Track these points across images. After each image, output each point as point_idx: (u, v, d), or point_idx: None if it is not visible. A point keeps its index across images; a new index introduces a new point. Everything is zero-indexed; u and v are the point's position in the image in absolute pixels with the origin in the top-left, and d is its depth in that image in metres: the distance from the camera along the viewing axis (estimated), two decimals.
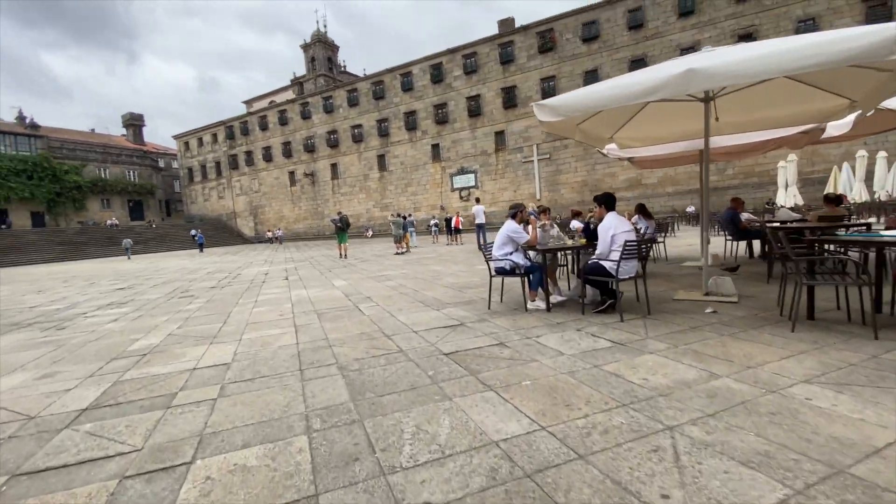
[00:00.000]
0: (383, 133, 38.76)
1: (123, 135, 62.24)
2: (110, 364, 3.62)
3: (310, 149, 43.25)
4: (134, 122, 60.86)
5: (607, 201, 4.30)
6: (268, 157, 46.34)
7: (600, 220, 4.36)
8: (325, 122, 42.25)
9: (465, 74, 34.64)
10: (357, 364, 3.17)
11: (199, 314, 5.78)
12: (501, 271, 4.68)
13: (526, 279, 4.60)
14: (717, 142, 7.37)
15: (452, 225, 18.83)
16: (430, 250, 16.11)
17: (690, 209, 26.86)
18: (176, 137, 54.82)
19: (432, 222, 25.44)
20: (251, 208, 48.81)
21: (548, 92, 31.41)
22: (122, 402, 2.72)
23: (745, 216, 8.28)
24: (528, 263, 4.58)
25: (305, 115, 43.40)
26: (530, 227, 4.87)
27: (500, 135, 33.77)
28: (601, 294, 4.29)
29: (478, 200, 16.47)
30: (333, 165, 42.12)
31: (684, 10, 27.25)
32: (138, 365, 3.53)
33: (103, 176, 47.93)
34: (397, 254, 15.15)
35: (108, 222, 43.76)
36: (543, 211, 5.53)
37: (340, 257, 16.45)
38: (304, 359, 3.40)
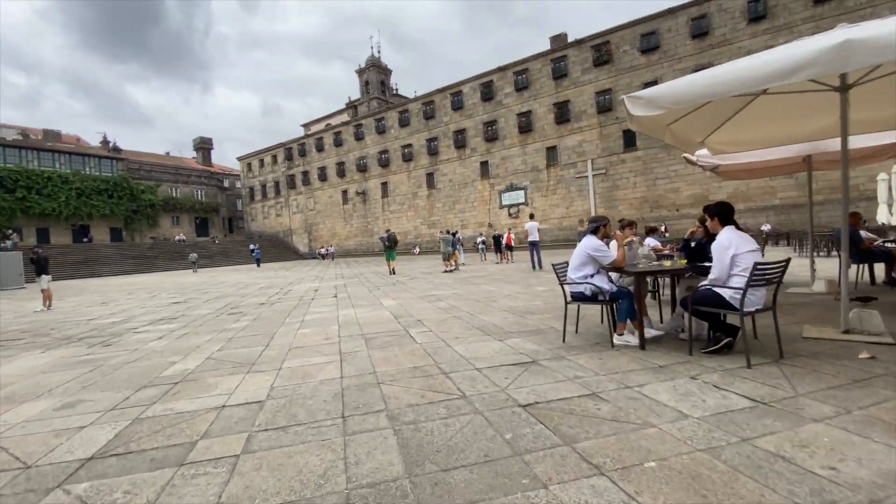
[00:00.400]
0: (432, 152, 38.99)
1: (194, 157, 67.46)
2: (137, 394, 3.23)
3: (362, 168, 44.37)
4: (203, 146, 65.79)
5: (722, 213, 3.43)
6: (323, 176, 48.07)
7: (710, 235, 3.50)
8: (377, 142, 43.26)
9: (515, 91, 34.23)
10: (411, 413, 2.53)
11: (243, 334, 5.44)
12: (579, 297, 3.91)
13: (611, 308, 3.80)
14: (828, 146, 6.23)
15: (504, 242, 18.08)
16: (479, 268, 15.42)
17: (766, 227, 24.41)
18: (239, 159, 58.50)
19: (479, 239, 24.77)
20: (306, 225, 50.63)
21: (603, 105, 30.28)
22: (132, 451, 2.25)
23: (864, 234, 6.95)
24: (615, 288, 3.79)
25: (359, 137, 44.73)
26: (612, 243, 4.08)
27: (551, 150, 32.82)
28: (711, 329, 3.40)
29: (532, 217, 15.59)
30: (384, 184, 42.85)
31: (754, 14, 25.38)
32: (165, 397, 3.11)
33: (174, 195, 51.77)
34: (446, 271, 14.60)
35: (177, 238, 46.96)
36: (628, 225, 4.68)
37: (390, 274, 16.28)
38: (348, 400, 2.82)
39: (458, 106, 37.34)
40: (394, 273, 16.36)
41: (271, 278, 17.59)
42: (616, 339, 3.75)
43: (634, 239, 4.24)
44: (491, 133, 35.56)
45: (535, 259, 14.37)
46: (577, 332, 4.28)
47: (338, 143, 46.57)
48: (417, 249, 38.59)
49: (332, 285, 12.06)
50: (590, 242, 3.86)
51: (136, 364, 4.16)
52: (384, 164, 42.55)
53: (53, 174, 41.50)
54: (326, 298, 8.79)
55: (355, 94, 67.01)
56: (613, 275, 4.07)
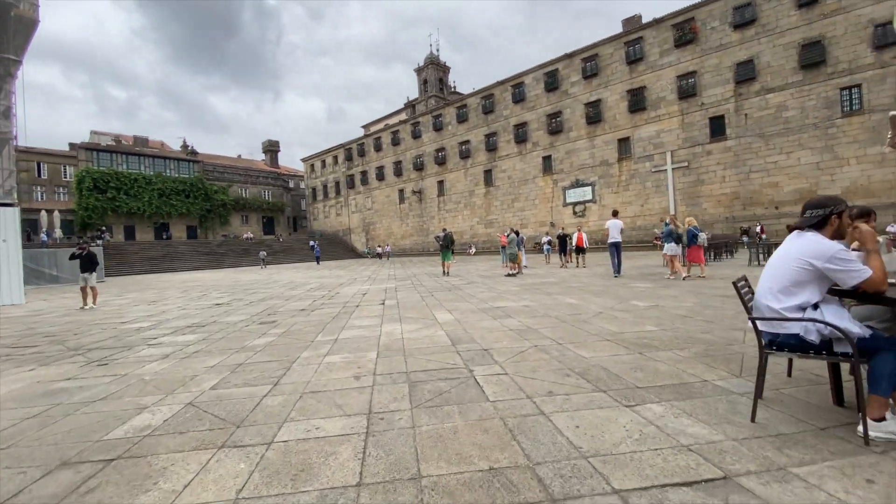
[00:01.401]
0: (491, 147, 37.29)
1: (263, 160, 70.90)
2: (40, 482, 1.99)
3: (419, 167, 43.68)
4: (271, 149, 68.87)
5: None
6: (380, 176, 48.07)
7: None
8: (434, 139, 42.32)
9: (583, 79, 31.60)
10: None
11: (258, 358, 4.21)
12: (791, 344, 2.16)
13: (858, 367, 2.02)
14: None
15: (574, 243, 15.70)
16: (546, 273, 13.57)
17: (893, 228, 20.09)
18: (303, 160, 60.43)
19: (545, 239, 22.72)
20: (364, 225, 50.99)
21: (686, 90, 26.95)
22: None
23: None
24: (867, 333, 2.01)
25: (416, 135, 44.09)
26: (851, 246, 2.29)
27: (623, 142, 29.86)
28: None
29: (615, 214, 13.34)
30: (440, 182, 41.82)
31: None
32: (75, 494, 1.83)
33: (244, 195, 54.38)
34: (509, 275, 12.94)
35: (245, 236, 49.16)
36: (862, 215, 2.75)
37: (444, 275, 15.17)
38: None
39: (519, 98, 35.32)
40: (448, 274, 15.32)
41: (325, 277, 16.91)
42: (873, 430, 1.97)
43: (881, 239, 2.39)
44: (555, 125, 33.18)
45: (616, 263, 12.33)
46: (761, 396, 2.52)
47: (395, 142, 46.28)
48: (473, 249, 37.10)
49: (382, 288, 10.87)
50: (817, 245, 2.09)
51: (96, 407, 3.00)
52: (441, 161, 41.50)
53: (139, 176, 44.93)
54: (373, 306, 7.52)
55: (414, 94, 66.98)
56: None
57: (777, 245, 2.93)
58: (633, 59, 29.10)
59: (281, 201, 58.37)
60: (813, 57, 22.85)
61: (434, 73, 63.10)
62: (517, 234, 16.00)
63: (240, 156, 69.92)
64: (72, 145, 46.65)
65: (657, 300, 6.48)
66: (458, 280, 12.48)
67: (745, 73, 24.91)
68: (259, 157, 71.54)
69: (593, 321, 5.08)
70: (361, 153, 50.56)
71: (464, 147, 39.52)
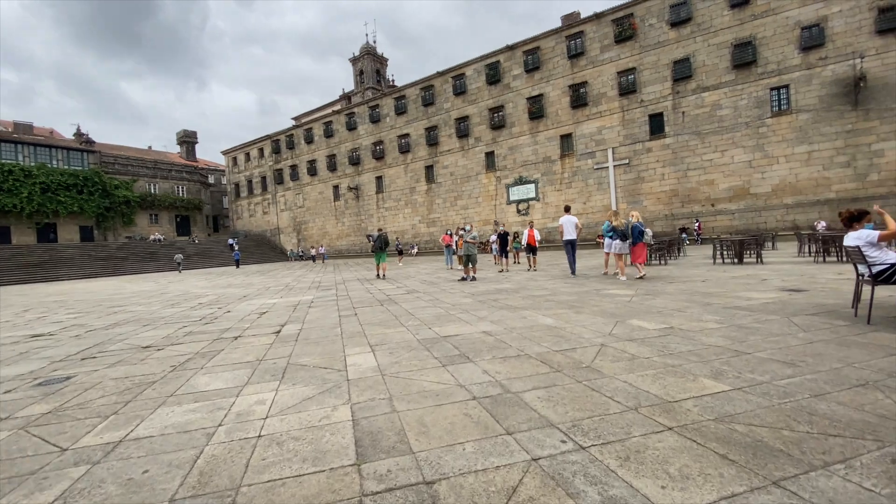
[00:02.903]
0: (432, 142, 35.30)
1: (178, 153, 63.50)
2: None
3: (354, 161, 40.66)
4: (187, 140, 61.77)
5: None
6: (312, 171, 44.34)
7: None
8: (371, 132, 39.55)
9: (525, 73, 30.58)
10: None
11: None
12: None
13: None
14: None
15: (525, 241, 13.67)
16: (498, 276, 11.73)
17: (820, 225, 20.85)
18: (224, 153, 54.67)
19: (493, 238, 21.03)
20: (295, 224, 46.86)
21: (626, 87, 26.68)
22: None
23: None
24: None
25: (351, 126, 41.01)
26: None
27: (566, 139, 29.19)
28: None
29: (567, 209, 11.93)
30: (378, 178, 39.13)
31: None
32: None
33: (152, 191, 47.87)
34: (462, 279, 10.93)
35: (152, 237, 43.10)
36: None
37: (379, 278, 13.50)
38: None
39: (460, 91, 33.66)
40: (383, 278, 13.74)
41: (231, 287, 13.86)
42: None
43: None
44: (497, 120, 31.90)
45: (572, 261, 10.94)
46: None
47: (328, 133, 42.83)
48: (416, 250, 34.94)
49: (293, 302, 8.37)
50: None
51: None
52: (379, 156, 38.82)
53: (15, 167, 37.53)
54: (260, 337, 5.09)
55: (351, 87, 63.32)
56: None
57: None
58: (575, 54, 28.48)
59: (198, 198, 52.22)
60: (745, 57, 23.29)
61: (371, 64, 59.98)
62: (463, 230, 14.11)
63: (150, 147, 62.09)
64: None
65: (662, 318, 4.72)
66: (395, 288, 10.24)
67: (682, 72, 25.02)
68: (175, 149, 64.05)
69: (604, 367, 3.12)
70: (291, 146, 46.39)
71: (403, 141, 37.18)
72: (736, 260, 11.12)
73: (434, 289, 9.36)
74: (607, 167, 27.47)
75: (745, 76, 23.41)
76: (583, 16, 29.42)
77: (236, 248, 41.61)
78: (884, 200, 20.56)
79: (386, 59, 63.61)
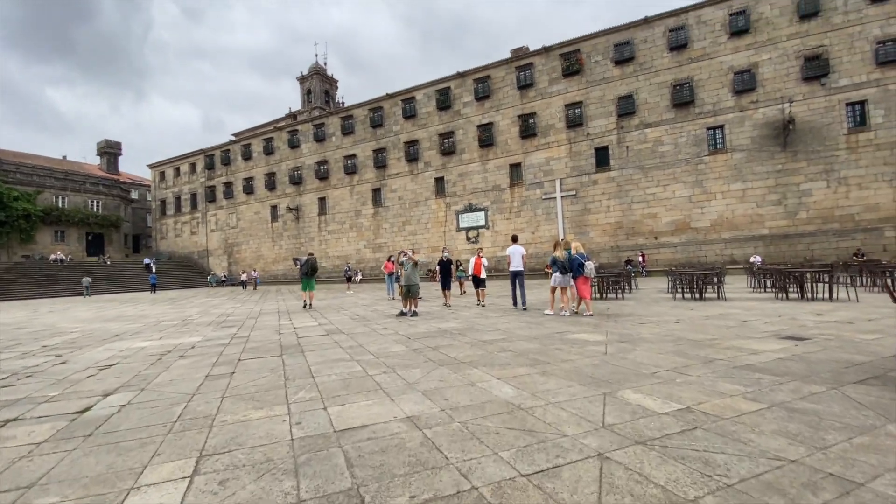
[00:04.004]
0: (380, 164, 33.86)
1: (99, 165, 57.30)
2: None
3: (296, 181, 38.17)
4: (109, 151, 56.06)
5: None
6: (249, 189, 41.15)
7: None
8: (316, 151, 37.49)
9: (476, 100, 30.31)
10: None
11: None
12: None
13: None
14: None
15: (471, 271, 12.07)
16: (442, 310, 10.19)
17: (755, 259, 21.49)
18: (151, 167, 49.84)
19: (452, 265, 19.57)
20: (226, 246, 42.93)
21: (573, 120, 26.97)
22: None
23: None
24: None
25: (293, 144, 38.70)
26: None
27: (515, 168, 28.90)
28: None
29: (515, 239, 10.87)
30: (322, 199, 36.85)
31: (736, 28, 23.26)
32: None
33: (60, 205, 42.17)
34: (401, 314, 9.24)
35: (53, 257, 37.47)
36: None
37: (304, 308, 12.41)
38: None
39: (410, 114, 32.77)
40: (310, 307, 12.52)
41: (117, 319, 11.19)
42: None
43: None
44: (447, 146, 31.18)
45: (519, 294, 9.98)
46: None
47: (268, 150, 40.17)
48: (360, 276, 32.67)
49: (169, 347, 6.31)
50: None
51: None
52: (323, 176, 36.70)
53: None
54: (45, 424, 3.14)
55: (298, 106, 61.07)
56: None
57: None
58: (524, 85, 28.62)
59: (116, 214, 46.78)
60: (683, 97, 24.25)
61: (319, 84, 58.41)
62: (402, 254, 12.51)
63: (65, 157, 55.62)
64: None
65: (665, 387, 3.36)
66: (315, 325, 8.37)
67: (626, 107, 25.66)
68: (96, 161, 57.74)
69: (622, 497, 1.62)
70: (226, 162, 43.03)
71: (349, 162, 35.43)
72: (696, 295, 10.38)
73: (362, 328, 7.61)
74: (555, 198, 27.31)
75: (684, 115, 24.31)
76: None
77: (154, 269, 37.16)
78: (812, 238, 21.65)
79: (335, 81, 62.36)
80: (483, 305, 10.57)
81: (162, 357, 5.54)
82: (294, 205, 38.26)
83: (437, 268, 13.11)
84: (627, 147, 25.66)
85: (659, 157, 24.85)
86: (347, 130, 35.67)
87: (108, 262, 40.11)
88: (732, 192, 23.09)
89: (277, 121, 58.40)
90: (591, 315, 8.16)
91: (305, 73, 58.39)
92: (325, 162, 36.78)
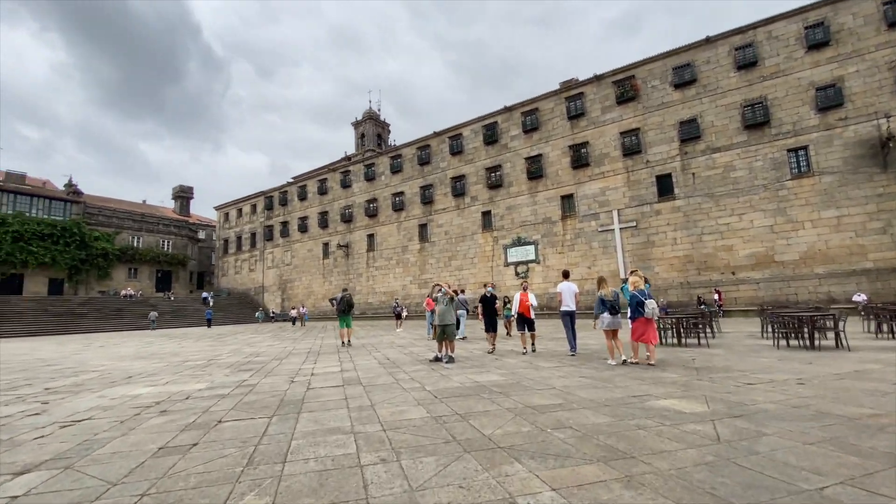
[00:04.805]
0: (426, 200, 33.62)
1: (173, 208, 62.43)
2: None
3: (347, 219, 38.87)
4: (182, 195, 60.98)
5: None
6: (303, 227, 42.50)
7: None
8: (366, 190, 38.17)
9: (523, 133, 29.53)
10: None
11: None
12: None
13: None
14: None
15: (516, 309, 9.71)
16: (483, 356, 8.75)
17: (860, 297, 18.09)
18: (217, 208, 53.36)
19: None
20: (280, 282, 44.12)
21: (630, 147, 25.25)
22: None
23: None
24: None
25: (346, 184, 39.78)
26: None
27: (567, 199, 27.33)
28: None
29: (566, 275, 9.43)
30: (370, 236, 37.04)
31: (814, 41, 20.99)
32: None
33: (135, 244, 45.75)
34: (436, 359, 7.98)
35: (123, 293, 40.13)
36: None
37: (342, 346, 12.15)
38: None
39: (457, 150, 32.57)
40: (348, 345, 12.21)
41: (148, 358, 10.81)
42: None
43: None
44: (494, 179, 30.37)
45: (571, 337, 8.73)
46: None
47: (322, 191, 41.54)
48: (405, 313, 31.77)
49: (167, 395, 5.46)
50: None
51: None
52: (372, 213, 37.05)
53: None
54: None
55: (353, 150, 63.88)
56: None
57: None
58: (575, 115, 27.50)
59: (184, 253, 50.00)
60: (756, 118, 21.95)
61: (372, 128, 60.88)
62: (458, 293, 11.36)
63: (144, 201, 61.22)
64: None
65: None
66: (336, 371, 7.29)
67: (690, 132, 23.64)
68: (171, 204, 63.06)
69: None
70: (284, 202, 45.02)
71: (397, 199, 35.57)
72: (806, 343, 8.22)
73: (386, 377, 6.40)
74: (613, 229, 25.26)
75: (758, 137, 21.90)
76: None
77: (210, 304, 38.68)
78: None
79: (387, 125, 64.79)
80: (534, 352, 8.93)
81: (141, 412, 4.63)
82: (344, 241, 38.76)
83: (479, 305, 11.05)
84: (693, 174, 23.41)
85: (731, 183, 22.36)
86: (396, 169, 36.09)
87: (172, 298, 42.37)
88: (824, 221, 20.01)
89: (333, 163, 61.17)
90: (653, 364, 6.73)
91: (359, 118, 61.22)
92: (374, 200, 37.22)
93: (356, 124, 62.70)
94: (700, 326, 9.97)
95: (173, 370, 8.25)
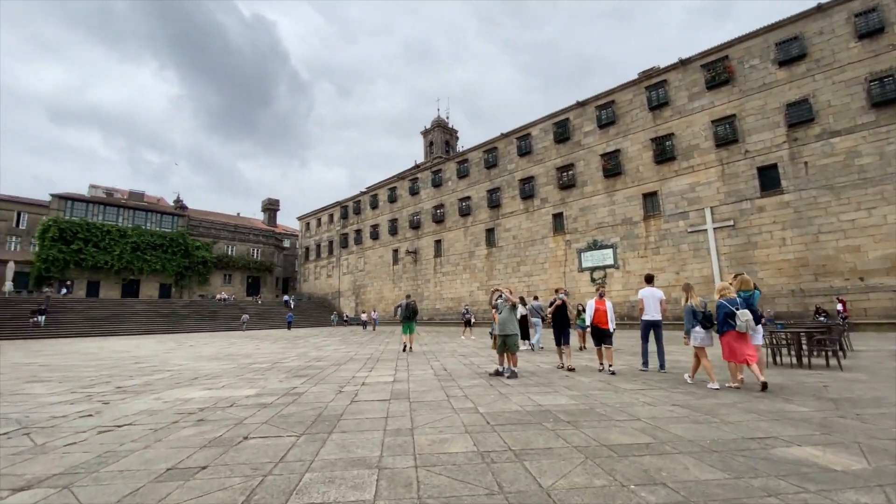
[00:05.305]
0: (493, 204, 32.78)
1: (263, 219, 68.06)
2: None
3: (415, 225, 39.30)
4: (270, 207, 66.24)
5: None
6: (374, 234, 43.82)
7: None
8: (433, 196, 38.33)
9: (598, 128, 27.60)
10: None
11: None
12: None
13: None
14: None
15: (590, 320, 8.15)
16: (551, 372, 7.75)
17: None
18: (300, 218, 57.07)
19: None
20: (354, 288, 45.84)
21: (724, 137, 22.38)
22: None
23: None
24: None
25: (414, 191, 40.34)
26: None
27: (650, 197, 24.93)
28: None
29: (650, 280, 8.19)
30: (437, 242, 37.03)
31: None
32: None
33: (229, 253, 50.33)
34: (497, 373, 7.20)
35: (219, 297, 44.14)
36: None
37: (404, 351, 12.16)
38: None
39: (525, 151, 31.40)
40: (409, 350, 12.07)
41: (213, 359, 11.28)
42: None
43: None
44: (566, 179, 28.71)
45: (658, 353, 7.60)
46: None
47: (392, 199, 42.55)
48: (473, 319, 31.09)
49: (212, 402, 5.32)
50: None
51: None
52: (439, 219, 37.05)
53: (112, 228, 41.38)
54: None
55: (422, 159, 65.09)
56: None
57: None
58: (657, 105, 25.08)
59: (270, 261, 54.09)
60: (886, 93, 18.25)
61: (440, 135, 61.44)
62: (524, 301, 10.74)
63: (239, 213, 67.41)
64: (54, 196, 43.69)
65: None
66: (388, 381, 6.80)
67: (800, 115, 20.32)
68: (261, 216, 68.85)
69: None
70: (357, 211, 46.87)
71: (464, 204, 35.18)
72: None
73: (437, 392, 5.74)
74: (705, 230, 22.47)
75: (890, 116, 18.18)
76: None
77: (291, 307, 41.17)
78: None
79: (456, 131, 65.01)
80: (611, 370, 7.67)
81: (180, 420, 4.43)
82: (413, 248, 39.20)
83: (547, 315, 9.52)
84: (806, 163, 20.07)
85: (857, 172, 18.78)
86: (462, 174, 35.76)
87: (260, 302, 45.81)
88: None
89: (403, 172, 62.76)
90: (737, 387, 5.67)
91: (428, 126, 62.14)
92: (441, 205, 37.20)
93: (425, 133, 63.75)
94: (828, 343, 8.05)
95: (236, 373, 8.32)
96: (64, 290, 37.89)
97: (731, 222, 21.72)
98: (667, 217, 23.93)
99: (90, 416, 4.74)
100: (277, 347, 15.45)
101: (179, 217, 47.23)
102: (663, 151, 24.43)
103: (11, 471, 2.97)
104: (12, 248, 42.60)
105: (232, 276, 50.48)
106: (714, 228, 22.15)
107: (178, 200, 52.67)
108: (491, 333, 8.24)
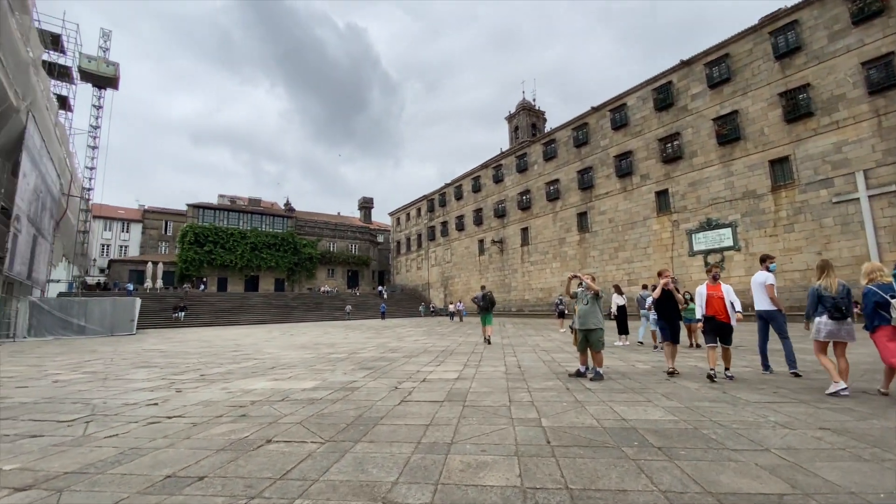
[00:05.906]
0: (585, 185, 30.37)
1: (359, 217, 72.39)
2: None
3: (500, 214, 38.27)
4: (365, 205, 70.14)
5: None
6: (460, 226, 43.74)
7: None
8: (518, 182, 36.89)
9: (709, 88, 23.87)
10: None
11: None
12: None
13: None
14: None
15: (702, 310, 6.11)
16: (647, 374, 6.44)
17: None
18: (391, 214, 59.41)
19: (647, 297, 14.85)
20: (442, 279, 46.39)
21: (880, 81, 17.80)
22: None
23: None
24: None
25: (498, 179, 39.29)
26: None
27: (779, 164, 20.88)
28: None
29: (764, 261, 6.45)
30: (524, 230, 35.58)
31: None
32: None
33: (331, 249, 54.27)
34: (577, 373, 6.19)
35: (323, 289, 47.78)
36: None
37: (484, 342, 11.93)
38: None
39: (620, 124, 28.47)
40: (489, 342, 11.77)
41: (307, 347, 11.73)
42: None
43: None
44: (671, 151, 25.39)
45: (785, 351, 6.12)
46: None
47: (476, 188, 41.97)
48: (567, 311, 29.30)
49: (268, 394, 5.20)
50: None
51: None
52: (525, 206, 35.55)
53: (235, 231, 47.02)
54: None
55: (508, 145, 63.37)
56: None
57: None
58: (785, 52, 20.81)
59: (367, 255, 57.25)
60: None
61: (526, 118, 58.98)
62: (619, 289, 10.13)
63: (339, 213, 72.47)
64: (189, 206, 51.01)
65: None
66: (450, 380, 6.18)
67: None
68: (357, 214, 73.39)
69: None
70: (443, 203, 47.22)
71: (552, 188, 33.20)
72: None
73: (499, 395, 4.94)
74: (857, 198, 18.12)
75: None
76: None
77: (384, 297, 43.11)
78: None
79: (542, 113, 61.91)
80: (730, 376, 5.87)
81: (223, 415, 4.29)
82: (498, 237, 38.24)
83: (651, 301, 7.59)
84: None
85: None
86: (549, 156, 33.75)
87: (358, 294, 48.68)
88: None
89: (486, 161, 61.76)
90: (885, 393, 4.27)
91: (512, 111, 60.10)
92: (527, 192, 35.62)
93: (509, 118, 61.70)
94: None
95: (310, 363, 8.40)
96: (202, 287, 44.07)
97: (893, 187, 17.16)
98: (803, 186, 19.79)
99: (155, 404, 4.86)
100: (363, 337, 15.83)
101: (288, 218, 52.06)
102: (796, 107, 20.20)
103: (35, 465, 2.92)
104: (162, 252, 50.93)
105: (334, 271, 54.42)
106: (869, 196, 17.73)
107: (287, 204, 58.18)
108: (571, 327, 7.17)
